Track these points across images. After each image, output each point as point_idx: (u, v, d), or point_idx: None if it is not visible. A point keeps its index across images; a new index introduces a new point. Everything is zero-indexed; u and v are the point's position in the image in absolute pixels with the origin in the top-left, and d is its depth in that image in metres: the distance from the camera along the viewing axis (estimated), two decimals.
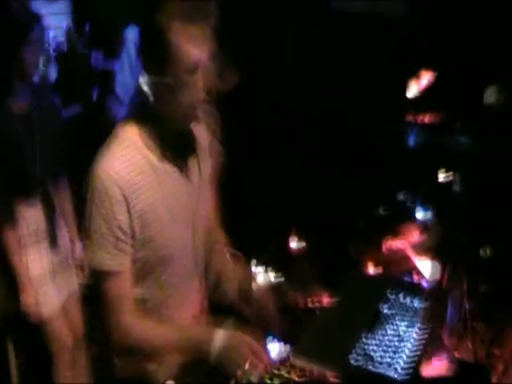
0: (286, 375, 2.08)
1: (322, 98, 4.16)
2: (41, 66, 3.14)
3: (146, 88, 1.98)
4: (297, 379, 2.05)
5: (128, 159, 1.98)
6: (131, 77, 3.91)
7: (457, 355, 2.27)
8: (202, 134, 2.23)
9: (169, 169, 2.06)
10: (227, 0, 2.04)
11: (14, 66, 3.07)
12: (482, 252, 2.42)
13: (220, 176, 2.36)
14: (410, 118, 4.29)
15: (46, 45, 3.21)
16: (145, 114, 2.03)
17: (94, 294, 2.10)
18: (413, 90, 4.32)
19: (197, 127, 2.17)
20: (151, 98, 1.98)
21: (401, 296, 2.48)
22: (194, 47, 1.88)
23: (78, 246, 3.59)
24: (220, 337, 2.00)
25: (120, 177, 1.95)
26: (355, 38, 4.65)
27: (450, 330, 2.32)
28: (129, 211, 1.97)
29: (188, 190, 2.13)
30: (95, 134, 3.82)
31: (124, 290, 2.05)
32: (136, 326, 2.08)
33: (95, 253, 1.99)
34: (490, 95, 4.13)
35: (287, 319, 2.44)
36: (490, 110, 4.08)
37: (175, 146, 2.06)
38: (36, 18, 3.15)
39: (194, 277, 2.29)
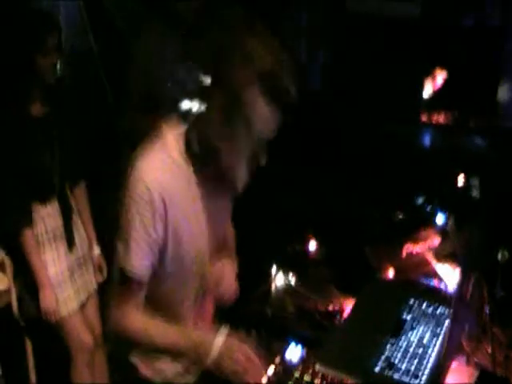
0: (308, 381, 2.10)
1: (337, 99, 4.16)
2: (58, 68, 3.15)
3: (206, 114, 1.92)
4: None
5: (167, 166, 1.98)
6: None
7: (475, 359, 2.28)
8: None
9: (199, 182, 2.05)
10: None
11: (32, 69, 3.08)
12: (500, 256, 2.41)
13: None
14: (424, 118, 4.31)
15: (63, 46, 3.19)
16: (195, 134, 1.98)
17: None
18: (428, 89, 4.33)
19: None
20: (210, 130, 1.92)
21: (424, 304, 2.49)
22: (272, 126, 1.90)
23: (96, 245, 3.62)
24: (219, 341, 2.01)
25: (159, 184, 1.94)
26: (369, 39, 4.63)
27: (468, 334, 2.33)
28: (165, 219, 1.97)
29: (211, 208, 2.12)
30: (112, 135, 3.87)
31: (139, 296, 2.07)
32: (139, 321, 2.09)
33: (128, 256, 1.99)
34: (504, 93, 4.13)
35: (306, 323, 2.46)
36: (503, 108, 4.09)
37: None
38: (53, 22, 3.18)
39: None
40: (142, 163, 1.98)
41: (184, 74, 1.96)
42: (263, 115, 1.85)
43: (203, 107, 1.91)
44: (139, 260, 2.00)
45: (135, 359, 2.26)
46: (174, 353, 2.14)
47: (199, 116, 1.94)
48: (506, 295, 2.43)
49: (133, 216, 1.96)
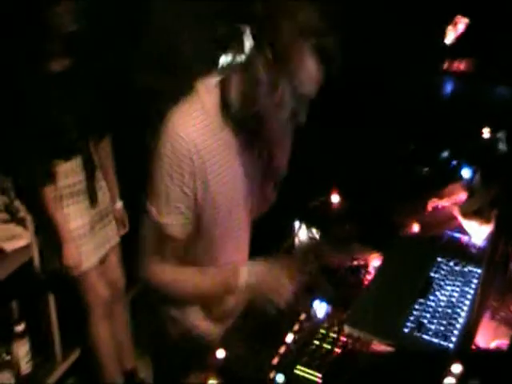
0: (334, 337, 2.10)
1: (357, 51, 4.06)
2: (75, 20, 3.09)
3: (249, 69, 1.90)
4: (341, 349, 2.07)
5: (201, 121, 1.97)
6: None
7: (501, 315, 2.27)
8: None
9: (235, 137, 2.06)
10: None
11: (49, 23, 3.03)
12: None
13: None
14: (446, 65, 4.22)
15: None
16: (232, 92, 1.97)
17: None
18: (450, 36, 4.24)
19: None
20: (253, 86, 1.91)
21: (451, 262, 2.47)
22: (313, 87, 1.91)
23: (119, 199, 3.62)
24: (247, 270, 2.08)
25: (191, 140, 1.94)
26: None
27: (494, 289, 2.31)
28: (200, 175, 1.97)
29: (247, 165, 2.14)
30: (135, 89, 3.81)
31: (173, 249, 2.09)
32: (171, 269, 2.12)
33: (162, 213, 2.00)
34: None
35: (331, 279, 2.45)
36: None
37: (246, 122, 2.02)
38: None
39: (245, 238, 2.33)
40: (175, 120, 1.97)
41: (222, 30, 1.92)
42: (308, 72, 1.85)
43: (243, 63, 1.89)
44: (173, 215, 2.00)
45: (165, 313, 2.28)
46: (206, 294, 2.18)
47: (241, 71, 1.92)
48: None
49: (165, 172, 1.96)
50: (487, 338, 2.12)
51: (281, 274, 2.11)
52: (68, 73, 3.17)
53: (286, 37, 1.81)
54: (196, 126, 1.96)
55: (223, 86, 1.99)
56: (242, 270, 2.09)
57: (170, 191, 1.97)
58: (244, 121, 1.99)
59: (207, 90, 2.02)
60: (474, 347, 2.02)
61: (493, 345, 2.10)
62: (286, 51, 1.82)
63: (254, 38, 1.85)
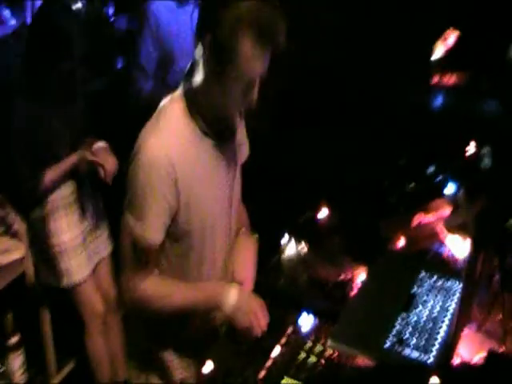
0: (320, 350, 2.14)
1: (346, 61, 4.11)
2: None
3: (200, 69, 1.98)
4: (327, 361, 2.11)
5: (175, 134, 2.02)
6: (154, 49, 3.89)
7: (486, 326, 2.30)
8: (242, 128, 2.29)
9: (209, 146, 2.09)
10: None
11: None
12: (510, 223, 2.41)
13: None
14: (435, 80, 4.26)
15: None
16: (193, 93, 2.03)
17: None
18: (439, 50, 4.28)
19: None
20: (204, 82, 1.98)
21: (434, 276, 2.51)
22: (259, 68, 1.91)
23: None
24: (236, 293, 2.09)
25: (167, 152, 1.97)
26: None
27: (480, 301, 2.34)
28: (176, 185, 2.00)
29: (225, 169, 2.18)
30: (122, 108, 3.85)
31: (148, 259, 2.10)
32: (155, 284, 2.14)
33: (140, 220, 2.02)
34: None
35: (318, 293, 2.49)
36: None
37: (217, 125, 2.08)
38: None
39: (226, 245, 2.33)
40: (147, 136, 2.02)
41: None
42: (249, 56, 1.87)
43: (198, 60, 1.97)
44: (154, 230, 2.04)
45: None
46: (192, 309, 2.18)
47: (193, 69, 2.00)
48: None
49: (143, 186, 1.99)
50: (472, 351, 2.16)
51: (260, 302, 2.14)
52: (59, 82, 3.20)
53: (226, 26, 1.84)
54: (169, 139, 2.00)
55: (188, 97, 2.05)
56: (230, 289, 2.11)
57: (148, 204, 2.00)
58: (216, 128, 2.07)
59: (174, 101, 2.07)
60: (458, 361, 2.06)
61: (478, 357, 2.13)
62: (227, 40, 1.85)
63: (198, 32, 1.94)
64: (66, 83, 3.19)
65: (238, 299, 2.08)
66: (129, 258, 2.11)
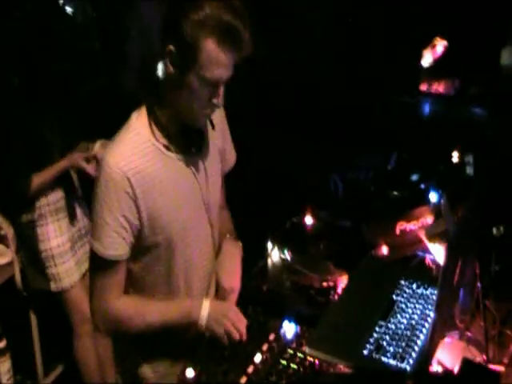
0: (302, 358, 2.15)
1: (334, 68, 4.12)
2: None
3: (162, 75, 2.00)
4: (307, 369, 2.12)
5: (133, 149, 2.01)
6: (144, 49, 3.90)
7: (469, 334, 2.31)
8: (214, 133, 2.26)
9: (173, 159, 2.09)
10: None
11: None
12: (495, 231, 2.42)
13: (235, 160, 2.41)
14: (424, 87, 4.28)
15: None
16: (157, 105, 2.05)
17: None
18: (427, 58, 4.30)
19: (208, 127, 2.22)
20: (167, 88, 2.00)
21: (414, 284, 2.52)
22: (223, 71, 1.92)
23: None
24: (208, 305, 2.12)
25: (127, 167, 1.98)
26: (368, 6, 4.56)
27: (462, 309, 2.35)
28: (135, 200, 2.00)
29: (194, 180, 2.17)
30: (113, 109, 3.85)
31: (117, 278, 2.11)
32: (127, 303, 2.16)
33: (99, 239, 2.03)
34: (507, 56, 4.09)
35: (302, 299, 2.50)
36: (506, 73, 4.05)
37: (182, 138, 2.08)
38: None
39: (208, 253, 2.34)
40: (110, 152, 2.02)
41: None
42: (213, 56, 1.88)
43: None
44: (114, 248, 2.04)
45: None
46: (170, 324, 2.17)
47: (155, 74, 2.02)
48: (501, 270, 2.45)
49: (101, 202, 2.00)
50: (455, 359, 2.17)
51: (236, 310, 2.17)
52: (53, 84, 3.22)
53: (191, 26, 1.86)
54: (132, 151, 2.00)
55: (151, 111, 2.06)
56: (202, 302, 2.13)
57: (104, 222, 2.01)
58: (180, 141, 2.08)
59: (140, 114, 2.08)
60: (439, 368, 2.07)
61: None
62: (192, 39, 1.86)
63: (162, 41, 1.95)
64: (59, 85, 3.21)
65: (211, 310, 2.11)
66: (96, 278, 2.12)
